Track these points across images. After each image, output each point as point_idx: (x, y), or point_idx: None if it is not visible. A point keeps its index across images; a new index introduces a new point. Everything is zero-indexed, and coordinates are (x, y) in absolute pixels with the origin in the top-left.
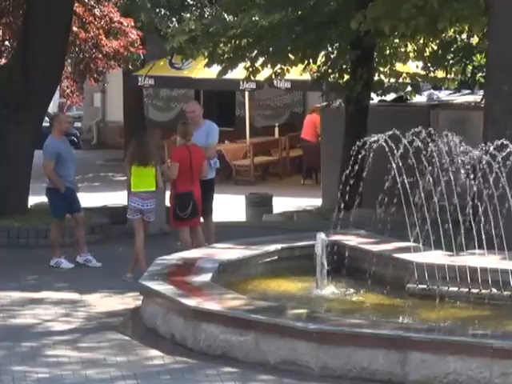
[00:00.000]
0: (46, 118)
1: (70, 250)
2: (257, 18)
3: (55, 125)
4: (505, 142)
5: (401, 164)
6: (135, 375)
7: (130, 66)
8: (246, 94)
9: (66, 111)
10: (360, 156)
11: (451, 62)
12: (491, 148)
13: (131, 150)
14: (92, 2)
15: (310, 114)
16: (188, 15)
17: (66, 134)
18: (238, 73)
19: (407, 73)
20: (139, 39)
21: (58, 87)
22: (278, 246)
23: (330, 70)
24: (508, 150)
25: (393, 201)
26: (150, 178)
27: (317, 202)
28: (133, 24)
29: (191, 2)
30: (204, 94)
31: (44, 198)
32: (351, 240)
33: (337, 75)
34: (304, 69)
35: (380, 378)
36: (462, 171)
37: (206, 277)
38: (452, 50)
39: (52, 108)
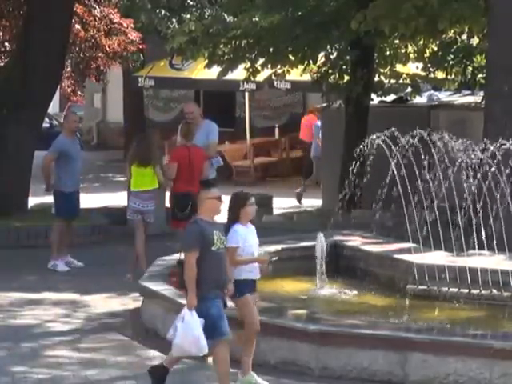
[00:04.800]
0: (46, 119)
1: (76, 250)
2: (257, 19)
3: (64, 124)
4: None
5: (402, 164)
6: (135, 376)
7: (131, 64)
8: (246, 94)
9: (66, 111)
10: (361, 157)
11: (451, 62)
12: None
13: (133, 150)
14: (92, 3)
15: (306, 115)
16: (188, 16)
17: None
18: (238, 73)
19: (407, 74)
20: (139, 39)
21: (59, 87)
22: (279, 247)
23: (330, 71)
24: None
25: (393, 202)
26: (150, 178)
27: (317, 202)
28: (132, 25)
29: (191, 3)
30: (204, 94)
31: (44, 199)
32: (351, 241)
33: (337, 76)
34: (304, 69)
35: (380, 379)
36: (463, 172)
37: None
38: (452, 50)
39: (52, 108)
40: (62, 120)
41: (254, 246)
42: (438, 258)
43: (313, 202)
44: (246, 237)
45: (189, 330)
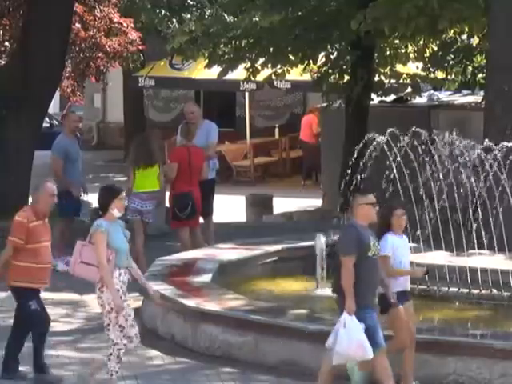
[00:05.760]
0: (47, 119)
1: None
2: (257, 19)
3: (65, 124)
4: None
5: (402, 164)
6: (135, 375)
7: (131, 64)
8: (247, 94)
9: (66, 111)
10: (361, 156)
11: (451, 62)
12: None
13: (135, 151)
14: (92, 3)
15: (306, 115)
16: (188, 16)
17: None
18: (239, 73)
19: (407, 74)
20: (139, 39)
21: (59, 87)
22: (278, 247)
23: (330, 71)
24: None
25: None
26: (153, 179)
27: (317, 202)
28: (132, 25)
29: (191, 3)
30: (204, 94)
31: None
32: None
33: (337, 76)
34: (304, 69)
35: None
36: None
37: (206, 277)
38: (452, 50)
39: (52, 108)
40: (62, 120)
41: (406, 258)
42: (438, 257)
43: (313, 203)
44: (397, 247)
45: (353, 335)
